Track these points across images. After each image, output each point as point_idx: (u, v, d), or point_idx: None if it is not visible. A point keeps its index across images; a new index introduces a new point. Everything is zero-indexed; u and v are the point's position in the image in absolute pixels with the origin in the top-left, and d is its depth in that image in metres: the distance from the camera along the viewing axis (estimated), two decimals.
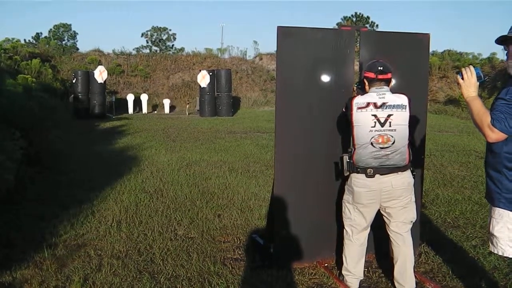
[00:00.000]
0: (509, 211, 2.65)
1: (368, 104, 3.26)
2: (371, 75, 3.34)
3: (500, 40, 2.73)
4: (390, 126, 3.24)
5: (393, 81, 3.46)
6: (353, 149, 3.36)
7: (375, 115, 3.24)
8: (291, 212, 3.88)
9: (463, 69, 2.76)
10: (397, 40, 4.07)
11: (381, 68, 3.32)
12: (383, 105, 3.25)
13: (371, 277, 3.81)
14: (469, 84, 2.71)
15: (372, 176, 3.30)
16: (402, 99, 3.30)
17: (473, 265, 4.01)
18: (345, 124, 3.57)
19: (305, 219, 3.93)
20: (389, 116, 3.24)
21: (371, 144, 3.24)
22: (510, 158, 2.61)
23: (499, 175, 2.66)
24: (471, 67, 2.76)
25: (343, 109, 3.51)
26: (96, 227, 4.92)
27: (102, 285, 3.61)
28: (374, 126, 3.23)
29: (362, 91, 3.46)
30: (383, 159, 3.26)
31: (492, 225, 2.75)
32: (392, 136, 3.24)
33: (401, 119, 3.26)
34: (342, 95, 3.91)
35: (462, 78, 2.74)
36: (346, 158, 3.43)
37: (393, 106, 3.26)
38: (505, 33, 2.69)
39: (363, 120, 3.25)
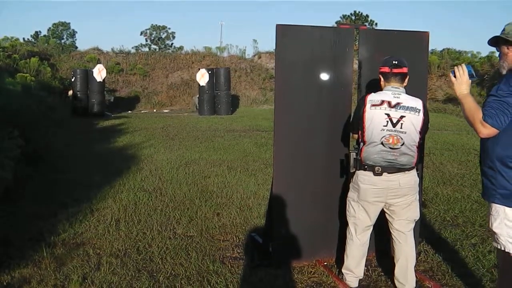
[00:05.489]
0: (504, 207, 2.69)
1: (382, 102, 3.22)
2: (386, 69, 3.32)
3: (493, 41, 2.83)
4: (401, 127, 3.19)
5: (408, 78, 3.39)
6: (361, 146, 3.32)
7: (388, 114, 3.20)
8: (290, 210, 3.87)
9: (455, 67, 2.87)
10: (396, 39, 4.05)
11: (396, 62, 3.30)
12: (397, 105, 3.21)
13: (371, 276, 3.81)
14: (461, 81, 2.83)
15: (380, 174, 3.27)
16: (417, 103, 3.26)
17: (472, 263, 4.01)
18: (354, 122, 3.48)
19: (304, 217, 3.92)
20: (401, 117, 3.20)
21: (382, 143, 3.21)
22: (503, 156, 2.67)
23: (493, 172, 2.72)
24: (463, 65, 2.87)
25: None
26: (95, 225, 4.91)
27: (101, 284, 3.60)
28: (386, 126, 3.20)
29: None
30: (391, 159, 3.24)
31: (491, 222, 2.80)
32: (402, 138, 3.20)
33: (412, 122, 3.21)
34: (341, 94, 3.91)
35: (455, 76, 2.85)
36: (353, 155, 3.41)
37: (407, 108, 3.21)
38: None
39: (375, 118, 3.21)
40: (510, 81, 2.64)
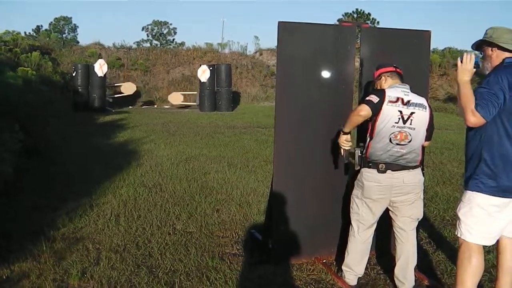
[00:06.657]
0: (481, 194, 2.88)
1: (397, 99, 3.24)
2: (390, 68, 3.40)
3: (477, 45, 3.07)
4: (411, 124, 3.22)
5: None
6: (367, 143, 3.33)
7: (400, 111, 3.22)
8: (290, 208, 3.87)
9: (465, 54, 3.00)
10: (398, 37, 4.05)
11: (395, 65, 3.42)
12: (408, 103, 3.24)
13: (369, 274, 3.81)
14: (466, 68, 2.96)
15: (384, 171, 3.28)
16: (423, 100, 3.32)
17: None
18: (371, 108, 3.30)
19: (304, 215, 3.93)
20: (411, 114, 3.23)
21: (389, 139, 3.22)
22: (487, 146, 2.86)
23: (477, 161, 2.90)
24: (473, 54, 3.00)
25: (369, 100, 3.27)
26: (95, 220, 4.92)
27: (100, 278, 3.61)
28: (398, 122, 3.21)
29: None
30: (397, 156, 3.25)
31: (459, 207, 3.03)
32: (410, 134, 3.22)
33: (421, 118, 3.26)
34: (342, 91, 3.91)
35: (461, 62, 2.98)
36: (358, 152, 3.42)
37: (416, 105, 3.26)
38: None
39: (389, 115, 3.22)
40: (498, 75, 2.82)
